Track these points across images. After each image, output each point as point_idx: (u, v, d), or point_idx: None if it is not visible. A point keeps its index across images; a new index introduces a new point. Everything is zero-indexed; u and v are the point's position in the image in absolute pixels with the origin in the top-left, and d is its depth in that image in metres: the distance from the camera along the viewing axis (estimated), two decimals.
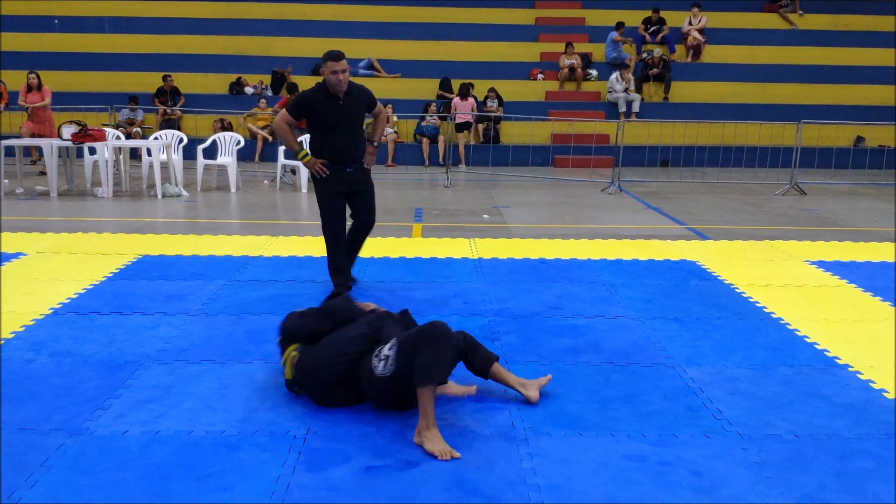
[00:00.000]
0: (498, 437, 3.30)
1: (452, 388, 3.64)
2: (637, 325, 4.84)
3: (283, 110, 5.30)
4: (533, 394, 3.64)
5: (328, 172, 5.25)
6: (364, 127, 5.63)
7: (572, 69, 16.00)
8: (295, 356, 3.64)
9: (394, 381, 3.33)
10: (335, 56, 5.04)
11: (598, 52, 16.93)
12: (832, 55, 16.95)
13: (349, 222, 5.56)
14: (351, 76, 5.29)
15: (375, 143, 5.49)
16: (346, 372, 3.49)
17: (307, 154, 5.31)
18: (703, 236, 7.83)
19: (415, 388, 3.21)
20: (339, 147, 5.25)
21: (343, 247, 5.44)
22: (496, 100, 14.46)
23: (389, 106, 14.28)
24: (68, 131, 10.17)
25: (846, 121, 13.36)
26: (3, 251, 6.48)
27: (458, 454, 3.11)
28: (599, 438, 3.30)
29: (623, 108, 15.04)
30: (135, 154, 12.31)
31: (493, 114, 14.35)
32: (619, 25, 16.34)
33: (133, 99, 14.37)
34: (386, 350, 3.38)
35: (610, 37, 16.29)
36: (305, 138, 6.18)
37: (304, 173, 10.79)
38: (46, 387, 3.74)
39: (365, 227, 5.63)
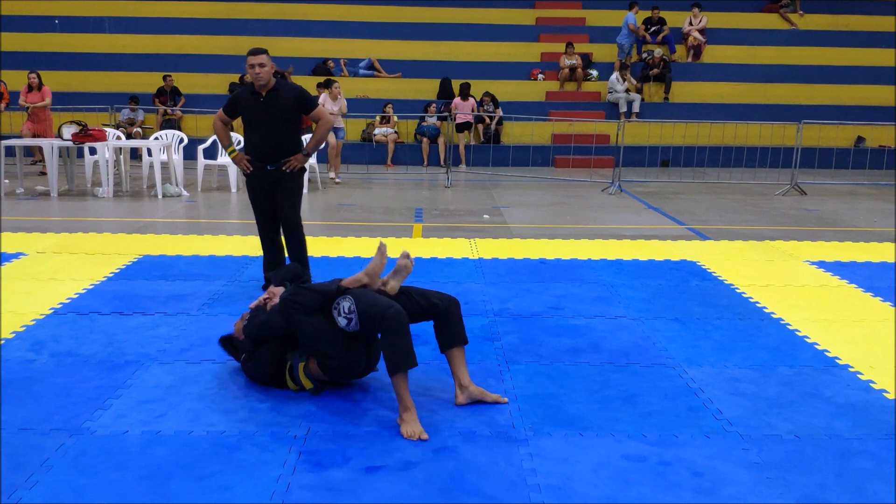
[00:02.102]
0: (498, 437, 3.30)
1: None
2: (637, 326, 4.84)
3: (221, 108, 5.41)
4: (461, 399, 3.63)
5: (251, 169, 5.30)
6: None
7: (573, 69, 15.99)
8: (302, 365, 3.64)
9: (360, 334, 3.49)
10: (253, 51, 5.14)
11: (599, 52, 16.93)
12: (832, 55, 16.94)
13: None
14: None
15: (305, 152, 5.36)
16: (338, 336, 3.51)
17: (234, 150, 5.35)
18: (703, 236, 7.83)
19: (382, 326, 3.36)
20: (257, 144, 5.26)
21: (268, 242, 5.51)
22: (491, 103, 14.40)
23: (391, 107, 14.27)
24: (69, 131, 10.17)
25: (846, 121, 13.36)
26: (3, 251, 6.48)
27: (426, 436, 3.24)
28: (599, 438, 3.30)
29: (623, 109, 15.03)
30: (135, 154, 12.31)
31: (489, 114, 14.31)
32: (632, 5, 16.29)
33: (133, 99, 14.36)
34: (346, 311, 3.44)
35: (626, 20, 16.23)
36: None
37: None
38: (46, 387, 3.74)
39: (287, 226, 5.45)
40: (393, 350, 3.33)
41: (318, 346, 3.55)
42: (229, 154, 5.39)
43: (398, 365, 3.32)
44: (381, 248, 3.75)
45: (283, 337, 3.67)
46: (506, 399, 3.69)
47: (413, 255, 6.57)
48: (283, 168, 5.25)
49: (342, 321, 3.46)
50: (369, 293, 3.55)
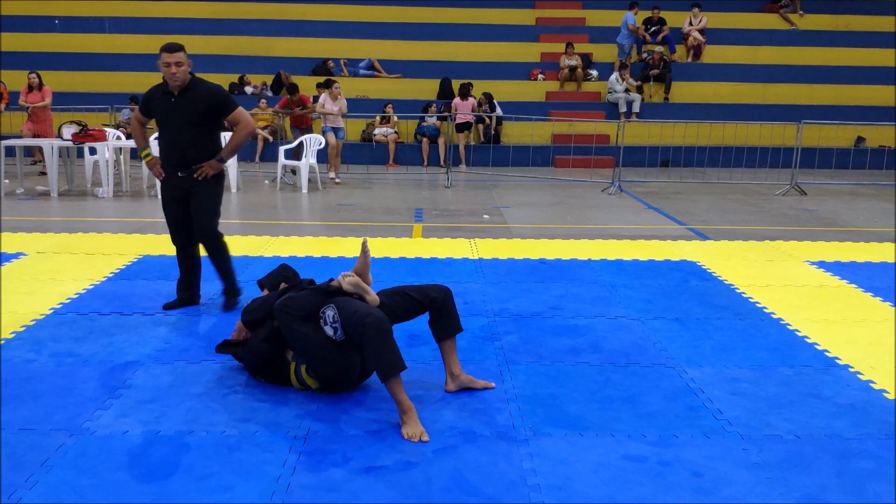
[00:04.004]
0: (498, 437, 3.30)
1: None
2: (637, 326, 4.84)
3: (138, 107, 4.98)
4: (451, 387, 3.75)
5: (164, 175, 4.86)
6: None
7: (573, 69, 15.99)
8: (304, 367, 3.66)
9: (349, 342, 3.46)
10: (169, 48, 4.69)
11: (599, 52, 16.93)
12: (832, 55, 16.94)
13: None
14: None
15: (218, 158, 4.82)
16: (330, 345, 3.51)
17: (149, 154, 4.96)
18: (703, 236, 7.83)
19: (363, 337, 3.33)
20: (165, 148, 4.82)
21: (181, 257, 5.05)
22: (488, 105, 14.37)
23: (391, 107, 14.25)
24: (69, 131, 10.17)
25: (846, 121, 13.36)
26: (3, 251, 6.48)
27: (427, 437, 3.25)
28: (600, 439, 3.30)
29: (623, 109, 15.03)
30: (135, 154, 12.30)
31: (487, 114, 14.29)
32: (633, 5, 16.30)
33: (134, 99, 14.34)
34: (331, 319, 3.45)
35: (626, 20, 16.24)
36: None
37: (304, 173, 10.79)
38: (46, 387, 3.74)
39: (201, 235, 4.95)
40: (378, 358, 3.31)
41: (310, 355, 3.56)
42: (143, 159, 5.01)
43: (387, 372, 3.30)
44: (364, 247, 3.77)
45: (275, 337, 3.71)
46: (493, 384, 3.81)
47: (413, 255, 6.62)
48: (195, 175, 4.78)
49: (329, 330, 3.46)
50: (351, 301, 3.53)
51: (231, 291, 5.10)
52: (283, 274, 4.21)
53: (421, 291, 3.73)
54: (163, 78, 4.82)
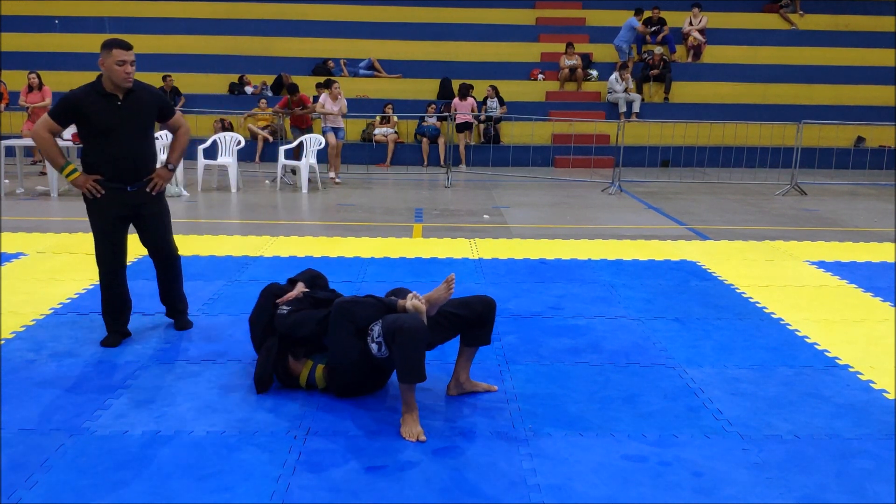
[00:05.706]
0: (498, 437, 3.30)
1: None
2: (637, 326, 4.84)
3: (46, 115, 4.18)
4: (453, 392, 3.77)
5: (103, 192, 4.19)
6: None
7: (573, 69, 15.99)
8: (321, 367, 3.67)
9: (391, 359, 3.44)
10: (124, 45, 4.08)
11: (599, 52, 16.93)
12: (832, 55, 16.94)
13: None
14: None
15: (170, 166, 4.41)
16: (367, 361, 3.53)
17: (75, 170, 4.21)
18: (703, 236, 7.83)
19: (396, 337, 3.33)
20: (115, 158, 4.17)
21: (119, 286, 4.40)
22: (496, 98, 14.41)
23: (391, 107, 14.25)
24: (69, 131, 10.16)
25: (846, 121, 13.35)
26: (3, 251, 6.48)
27: (424, 437, 3.27)
28: (600, 439, 3.30)
29: (623, 109, 15.02)
30: None
31: (495, 114, 14.29)
32: (639, 11, 16.32)
33: None
34: (377, 335, 3.42)
35: (630, 24, 16.24)
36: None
37: (304, 173, 10.78)
38: (46, 387, 3.74)
39: (164, 257, 4.54)
40: (405, 361, 3.31)
41: (342, 364, 3.57)
42: (67, 176, 4.19)
43: (408, 377, 3.31)
44: (449, 281, 3.55)
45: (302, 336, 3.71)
46: (496, 387, 3.81)
47: (413, 255, 6.62)
48: (148, 188, 4.30)
49: (374, 346, 3.42)
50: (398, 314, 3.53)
51: (185, 311, 4.74)
52: (313, 275, 4.18)
53: (466, 306, 3.67)
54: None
